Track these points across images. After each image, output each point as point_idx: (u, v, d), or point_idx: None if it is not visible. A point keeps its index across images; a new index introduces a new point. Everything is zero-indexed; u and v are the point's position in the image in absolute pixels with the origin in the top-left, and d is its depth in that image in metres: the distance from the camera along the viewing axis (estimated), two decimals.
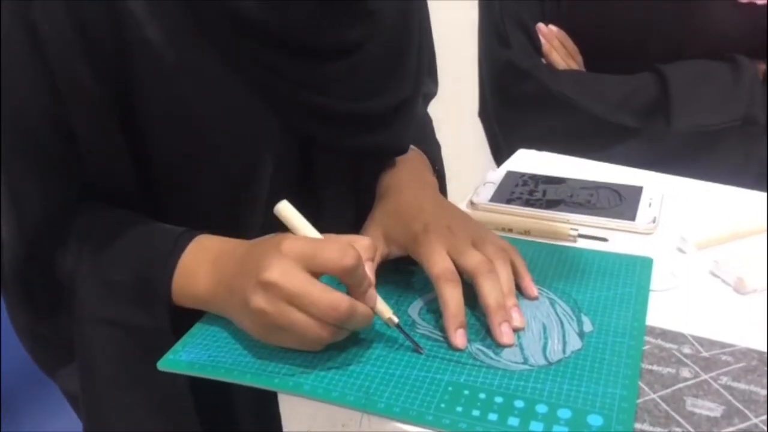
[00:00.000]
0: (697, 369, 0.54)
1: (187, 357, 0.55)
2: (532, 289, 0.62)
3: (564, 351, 0.55)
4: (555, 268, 0.66)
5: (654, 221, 0.74)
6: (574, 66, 1.03)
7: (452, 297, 0.57)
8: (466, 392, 0.51)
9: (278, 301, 0.51)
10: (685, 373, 0.53)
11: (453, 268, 0.58)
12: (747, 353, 0.55)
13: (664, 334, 0.57)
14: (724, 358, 0.55)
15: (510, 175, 0.85)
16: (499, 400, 0.50)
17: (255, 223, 0.65)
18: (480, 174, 0.86)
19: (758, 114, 0.95)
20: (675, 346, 0.56)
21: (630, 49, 0.99)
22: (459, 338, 0.56)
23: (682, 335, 0.57)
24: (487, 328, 0.57)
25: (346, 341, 0.56)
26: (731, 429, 0.48)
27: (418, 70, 0.73)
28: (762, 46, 0.96)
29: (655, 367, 0.54)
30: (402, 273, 0.65)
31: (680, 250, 0.70)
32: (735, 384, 0.52)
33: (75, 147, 0.60)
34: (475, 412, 0.49)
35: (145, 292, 0.57)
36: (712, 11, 0.96)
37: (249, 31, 0.59)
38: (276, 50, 0.60)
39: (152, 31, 0.56)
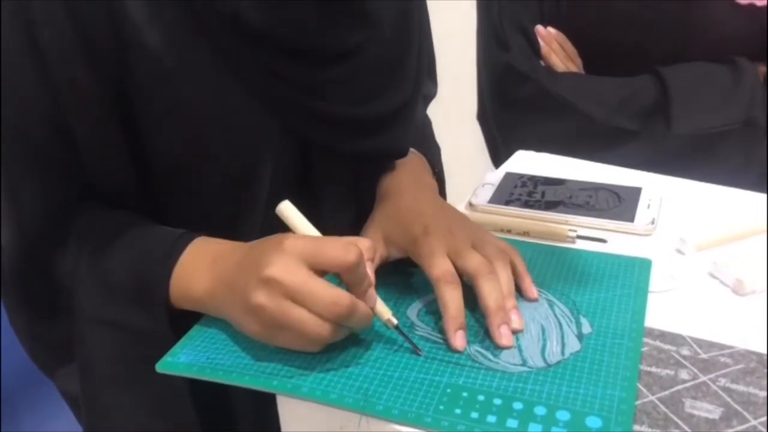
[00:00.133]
0: (696, 371, 0.54)
1: (186, 359, 0.55)
2: (533, 290, 0.62)
3: (563, 353, 0.55)
4: (554, 269, 0.66)
5: (653, 222, 0.74)
6: (573, 69, 1.03)
7: (452, 299, 0.57)
8: (465, 394, 0.51)
9: (279, 297, 0.51)
10: (683, 374, 0.53)
11: (453, 270, 0.58)
12: (746, 355, 0.55)
13: (663, 336, 0.57)
14: (722, 359, 0.55)
15: (509, 176, 0.85)
16: (497, 402, 0.50)
17: (255, 223, 0.66)
18: (479, 175, 0.85)
19: (759, 116, 0.95)
20: (674, 348, 0.56)
21: (629, 50, 0.99)
22: (459, 340, 0.56)
23: (681, 337, 0.57)
24: (486, 330, 0.57)
25: (345, 343, 0.56)
26: (730, 431, 0.48)
27: (418, 73, 0.73)
28: (762, 48, 0.96)
29: (653, 369, 0.54)
30: (401, 275, 0.65)
31: (679, 252, 0.70)
32: (734, 386, 0.52)
33: (74, 148, 0.60)
34: (474, 414, 0.49)
35: (144, 293, 0.58)
36: (712, 12, 0.96)
37: (248, 34, 0.59)
38: (275, 54, 0.60)
39: (152, 34, 0.57)
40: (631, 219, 0.75)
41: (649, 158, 0.93)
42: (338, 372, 0.53)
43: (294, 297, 0.51)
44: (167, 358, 0.55)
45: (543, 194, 0.81)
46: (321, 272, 0.53)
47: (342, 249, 0.52)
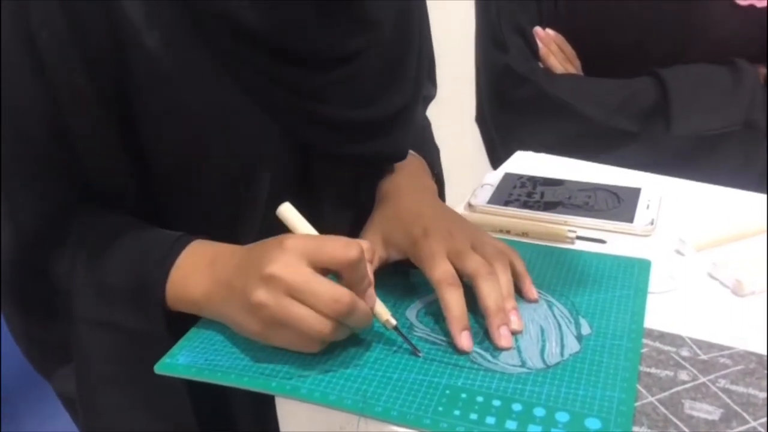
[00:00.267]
0: (696, 372, 0.53)
1: (185, 360, 0.55)
2: (533, 291, 0.62)
3: (562, 354, 0.55)
4: (553, 270, 0.66)
5: (652, 223, 0.74)
6: (572, 70, 1.03)
7: (454, 300, 0.57)
8: (464, 395, 0.51)
9: (280, 294, 0.51)
10: (683, 375, 0.53)
11: (453, 271, 0.58)
12: (745, 356, 0.55)
13: (663, 337, 0.57)
14: (722, 360, 0.55)
15: (508, 177, 0.85)
16: (496, 403, 0.50)
17: (255, 223, 0.65)
18: (478, 176, 0.85)
19: (759, 118, 0.95)
20: (673, 349, 0.56)
21: (629, 52, 0.99)
22: (464, 340, 0.56)
23: (681, 338, 0.57)
24: (485, 331, 0.57)
25: (344, 343, 0.56)
26: None
27: (418, 76, 0.73)
28: (762, 49, 0.96)
29: (653, 370, 0.54)
30: (400, 276, 0.65)
31: (678, 252, 0.70)
32: (733, 387, 0.52)
33: (73, 149, 0.60)
34: (473, 416, 0.49)
35: (141, 295, 0.57)
36: (712, 13, 0.95)
37: (247, 37, 0.59)
38: (274, 57, 0.60)
39: (150, 37, 0.56)
40: (631, 219, 0.75)
41: (649, 159, 0.93)
42: (337, 373, 0.53)
43: (295, 294, 0.51)
44: (166, 360, 0.55)
45: (542, 195, 0.81)
46: (322, 271, 0.53)
47: (343, 246, 0.52)
